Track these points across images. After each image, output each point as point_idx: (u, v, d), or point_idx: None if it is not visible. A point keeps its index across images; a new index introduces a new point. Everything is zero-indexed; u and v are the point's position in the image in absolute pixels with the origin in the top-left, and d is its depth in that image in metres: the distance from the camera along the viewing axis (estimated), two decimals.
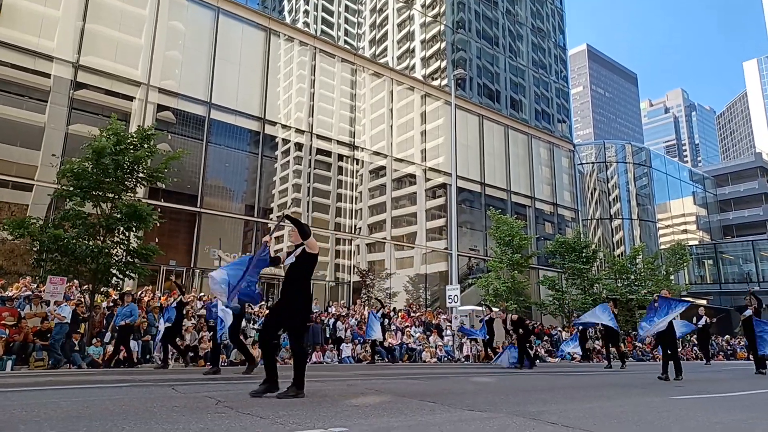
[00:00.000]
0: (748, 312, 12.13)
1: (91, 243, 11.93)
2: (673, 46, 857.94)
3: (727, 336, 30.71)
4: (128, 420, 3.81)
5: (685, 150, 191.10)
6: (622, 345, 18.31)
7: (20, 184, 17.14)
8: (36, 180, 17.11)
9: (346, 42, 27.67)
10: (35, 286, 13.45)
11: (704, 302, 19.62)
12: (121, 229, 12.75)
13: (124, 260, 12.69)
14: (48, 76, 18.20)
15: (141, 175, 13.24)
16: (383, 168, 27.46)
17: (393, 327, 18.42)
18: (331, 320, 16.85)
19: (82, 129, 17.44)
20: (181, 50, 21.67)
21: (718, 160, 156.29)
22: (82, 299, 12.65)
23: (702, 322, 17.87)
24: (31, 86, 18.05)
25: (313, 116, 24.81)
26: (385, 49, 30.16)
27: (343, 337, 16.27)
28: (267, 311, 14.56)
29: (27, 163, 17.32)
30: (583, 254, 27.26)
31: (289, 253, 5.70)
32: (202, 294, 17.38)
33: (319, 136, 24.87)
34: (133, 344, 12.20)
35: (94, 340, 11.81)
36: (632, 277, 29.68)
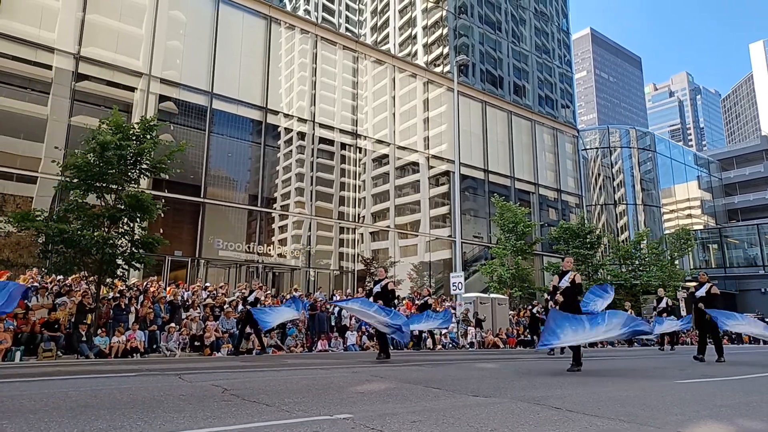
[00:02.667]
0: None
1: (96, 234, 11.98)
2: (678, 29, 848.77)
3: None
4: (136, 409, 3.85)
5: (690, 134, 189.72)
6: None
7: (24, 176, 17.18)
8: (40, 172, 17.14)
9: (347, 29, 27.46)
10: (41, 277, 13.54)
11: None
12: (126, 219, 12.79)
13: (129, 251, 12.75)
14: (49, 67, 18.15)
15: (144, 166, 13.25)
16: (386, 156, 27.38)
17: None
18: (336, 309, 16.92)
19: (85, 120, 17.43)
20: (181, 40, 21.56)
21: (723, 144, 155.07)
22: (88, 290, 12.73)
23: (662, 304, 17.37)
24: (33, 78, 18.02)
25: (315, 105, 24.70)
26: (387, 35, 29.92)
27: (348, 325, 16.35)
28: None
29: (31, 155, 17.34)
30: (588, 240, 27.27)
31: None
32: (207, 284, 17.45)
33: (321, 125, 24.78)
34: (139, 334, 12.31)
35: (100, 331, 11.91)
36: (636, 262, 29.69)
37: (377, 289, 10.66)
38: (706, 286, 11.14)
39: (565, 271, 8.51)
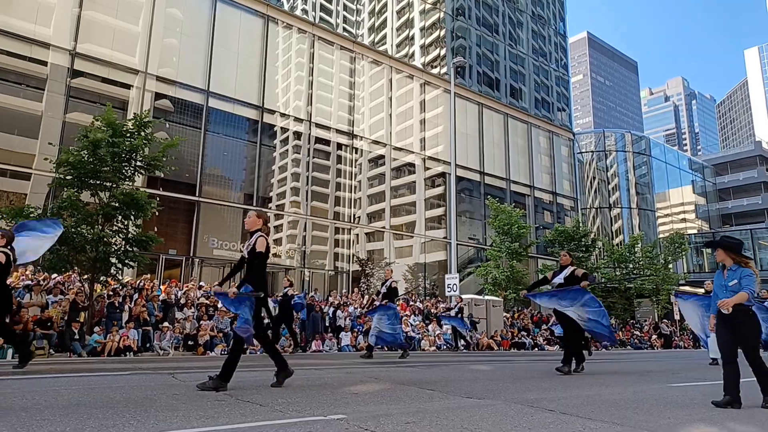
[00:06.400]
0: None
1: (90, 232, 11.91)
2: (674, 34, 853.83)
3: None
4: (128, 407, 3.83)
5: (685, 139, 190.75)
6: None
7: (18, 172, 17.09)
8: (34, 169, 17.04)
9: (344, 29, 27.46)
10: (34, 275, 13.46)
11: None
12: (120, 217, 12.71)
13: (123, 249, 12.67)
14: (45, 63, 18.07)
15: (138, 163, 13.17)
16: (382, 157, 27.38)
17: None
18: (331, 309, 16.91)
19: (80, 117, 17.35)
20: (178, 38, 21.50)
21: (717, 149, 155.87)
22: (82, 288, 12.66)
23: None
24: (28, 74, 17.94)
25: (311, 105, 24.68)
26: (384, 36, 29.96)
27: (342, 325, 16.34)
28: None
29: (25, 151, 17.25)
30: (582, 243, 27.35)
31: None
32: (201, 283, 17.39)
33: (317, 125, 24.76)
34: (133, 333, 12.24)
35: (97, 328, 11.84)
36: (631, 266, 29.80)
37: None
38: (569, 269, 8.47)
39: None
